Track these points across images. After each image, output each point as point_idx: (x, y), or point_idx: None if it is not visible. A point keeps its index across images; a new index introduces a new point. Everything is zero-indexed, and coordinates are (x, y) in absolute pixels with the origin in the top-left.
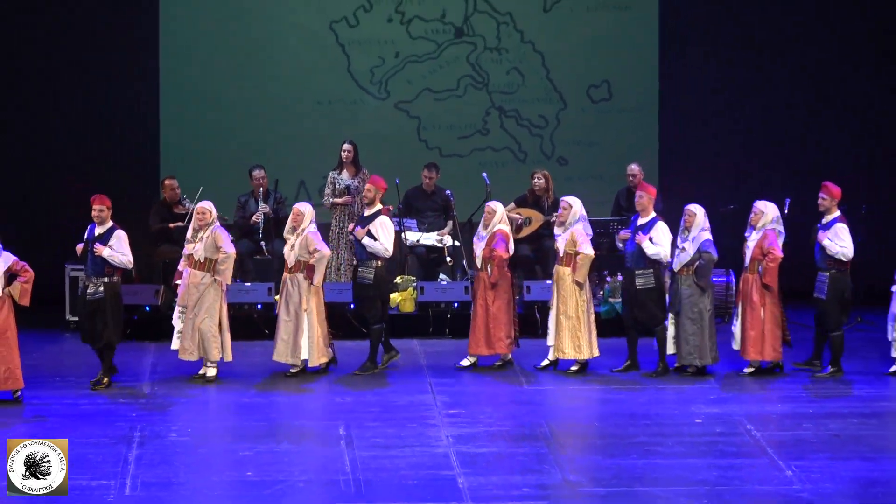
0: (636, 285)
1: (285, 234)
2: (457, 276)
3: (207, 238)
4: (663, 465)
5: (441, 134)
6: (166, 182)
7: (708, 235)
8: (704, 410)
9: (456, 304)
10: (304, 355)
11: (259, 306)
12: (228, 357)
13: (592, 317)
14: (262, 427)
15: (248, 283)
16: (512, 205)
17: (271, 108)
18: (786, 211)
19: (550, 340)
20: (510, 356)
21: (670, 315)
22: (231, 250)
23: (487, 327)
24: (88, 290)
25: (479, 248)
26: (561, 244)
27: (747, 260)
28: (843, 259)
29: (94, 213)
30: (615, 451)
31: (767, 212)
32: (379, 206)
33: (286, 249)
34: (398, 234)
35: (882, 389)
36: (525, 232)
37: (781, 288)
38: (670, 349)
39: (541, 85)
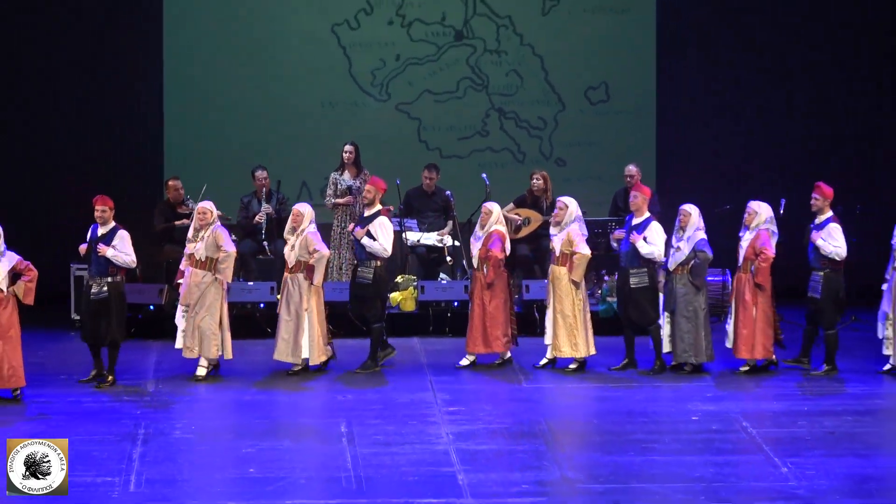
0: (630, 284)
1: (285, 235)
2: (457, 276)
3: (208, 237)
4: (660, 461)
5: (441, 135)
6: (170, 183)
7: (703, 235)
8: (701, 408)
9: (456, 303)
10: (305, 354)
11: (261, 305)
12: (228, 355)
13: (589, 315)
14: (264, 424)
15: (251, 283)
16: (511, 205)
17: (274, 110)
18: (781, 211)
19: (548, 339)
20: (509, 354)
21: (665, 314)
22: (231, 249)
23: (485, 326)
24: (92, 290)
25: (475, 248)
26: (557, 244)
27: (741, 259)
28: (837, 259)
29: (96, 214)
30: (613, 449)
31: (761, 212)
32: (379, 207)
33: (286, 250)
34: (399, 234)
35: (875, 387)
36: (524, 232)
37: (778, 287)
38: (666, 347)
39: (539, 87)
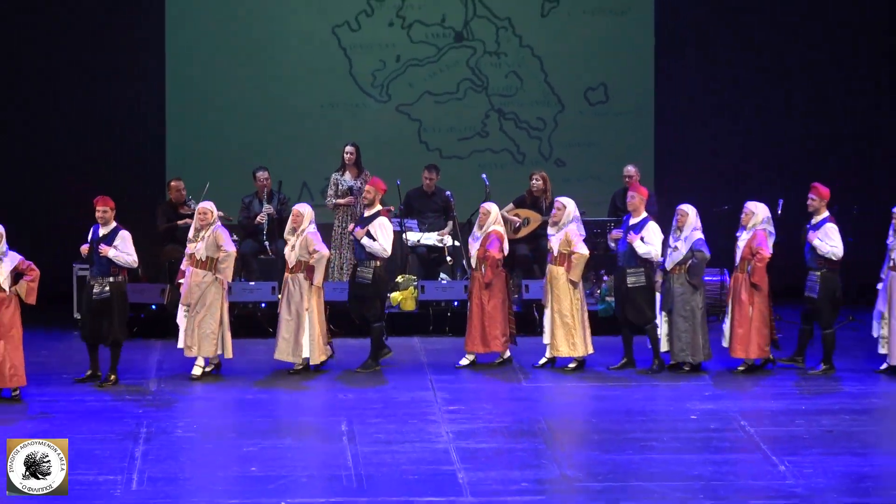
0: (627, 284)
1: (286, 235)
2: (457, 276)
3: (209, 237)
4: (659, 460)
5: (441, 136)
6: (172, 183)
7: (700, 235)
8: (699, 407)
9: (456, 303)
10: (306, 353)
11: (263, 305)
12: (229, 354)
13: (586, 315)
14: (265, 423)
15: (253, 283)
16: (511, 205)
17: (275, 111)
18: (779, 211)
19: (547, 339)
20: (508, 354)
21: (663, 313)
22: (231, 249)
23: (483, 326)
24: (94, 290)
25: (473, 248)
26: (555, 244)
27: (738, 259)
28: (834, 258)
29: (97, 215)
30: (611, 447)
31: (758, 212)
32: (378, 207)
33: (287, 250)
34: (399, 234)
35: (872, 386)
36: (523, 232)
37: (776, 287)
38: (663, 347)
39: (539, 88)
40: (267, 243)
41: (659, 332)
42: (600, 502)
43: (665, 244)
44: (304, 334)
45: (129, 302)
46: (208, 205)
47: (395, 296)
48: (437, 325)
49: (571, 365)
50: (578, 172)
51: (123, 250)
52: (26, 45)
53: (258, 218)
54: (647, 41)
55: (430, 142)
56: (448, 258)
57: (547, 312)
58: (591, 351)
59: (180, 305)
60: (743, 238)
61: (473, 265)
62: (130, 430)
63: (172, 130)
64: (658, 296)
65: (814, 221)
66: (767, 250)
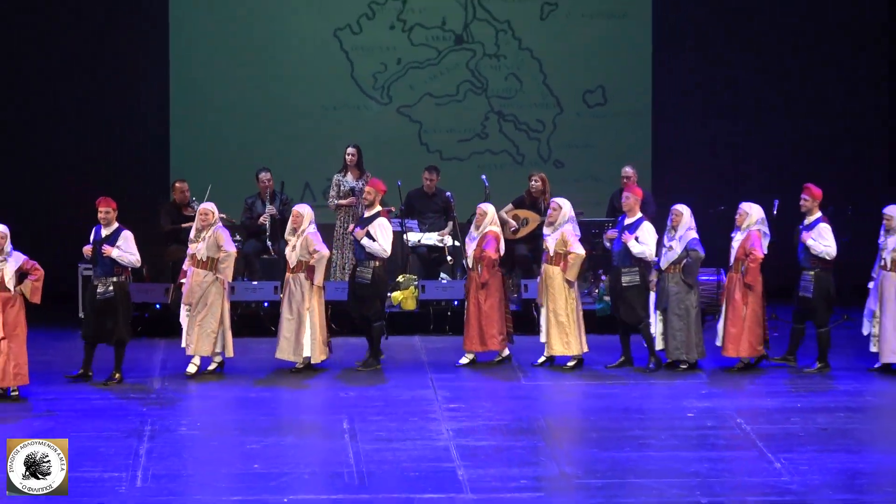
0: (622, 283)
1: (286, 236)
2: (457, 275)
3: (209, 238)
4: (656, 457)
5: (441, 138)
6: (176, 185)
7: (694, 234)
8: (696, 405)
9: (456, 302)
10: (307, 352)
11: (265, 304)
12: (230, 353)
13: (581, 314)
14: (268, 421)
15: (255, 282)
16: (510, 206)
17: (277, 113)
18: (774, 212)
19: (544, 337)
20: (507, 352)
21: (657, 312)
22: (232, 249)
23: (480, 325)
24: (98, 290)
25: (470, 248)
26: (551, 244)
27: (732, 260)
28: (828, 258)
29: (100, 215)
30: (609, 445)
31: (752, 213)
32: (378, 208)
33: (287, 250)
34: (400, 234)
35: (867, 385)
36: (523, 232)
37: (771, 287)
38: (658, 345)
39: (538, 90)
40: (269, 243)
41: (653, 331)
42: (598, 499)
43: (660, 244)
44: (304, 333)
45: (132, 301)
46: (209, 206)
47: (396, 295)
48: (438, 325)
49: (570, 363)
50: (577, 173)
51: (127, 250)
52: (30, 47)
53: (261, 219)
54: (644, 44)
55: (431, 143)
56: (448, 258)
57: (543, 311)
58: (585, 350)
59: (182, 305)
60: (737, 239)
61: (470, 265)
62: (135, 427)
63: (176, 131)
64: (653, 295)
65: (807, 222)
66: (761, 251)
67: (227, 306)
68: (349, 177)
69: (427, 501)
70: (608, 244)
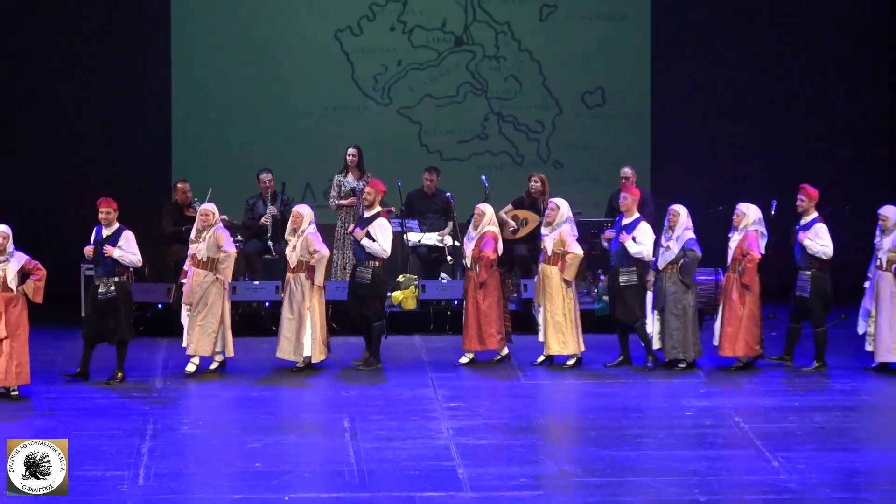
0: (619, 282)
1: (286, 236)
2: (457, 275)
3: (210, 238)
4: (655, 456)
5: (441, 139)
6: (178, 185)
7: (691, 234)
8: (694, 404)
9: (456, 302)
10: (307, 352)
11: (267, 304)
12: (230, 353)
13: (578, 314)
14: (269, 420)
15: (257, 282)
16: (509, 206)
17: (278, 114)
18: (772, 212)
19: (542, 337)
20: (506, 351)
21: (655, 311)
22: (231, 250)
23: (479, 324)
24: (100, 290)
25: (468, 248)
26: (549, 244)
27: (729, 260)
28: (824, 258)
29: (101, 216)
30: (608, 443)
31: (749, 213)
32: (378, 209)
33: (288, 250)
34: (400, 234)
35: (864, 384)
36: (522, 232)
37: (769, 287)
38: (656, 344)
39: (537, 91)
40: (271, 244)
41: (650, 330)
42: (597, 497)
43: (657, 244)
44: (305, 333)
45: (134, 301)
46: (210, 206)
47: (397, 295)
48: (438, 324)
49: (570, 362)
50: (576, 174)
51: (128, 250)
52: (33, 48)
53: (262, 219)
54: (643, 45)
55: (431, 144)
56: (448, 258)
57: (540, 311)
58: (582, 349)
59: (183, 305)
60: (734, 239)
61: (468, 265)
62: (137, 426)
63: (178, 132)
64: (650, 294)
65: (803, 222)
66: (758, 251)
67: (227, 306)
68: (350, 177)
69: (427, 500)
70: (606, 244)
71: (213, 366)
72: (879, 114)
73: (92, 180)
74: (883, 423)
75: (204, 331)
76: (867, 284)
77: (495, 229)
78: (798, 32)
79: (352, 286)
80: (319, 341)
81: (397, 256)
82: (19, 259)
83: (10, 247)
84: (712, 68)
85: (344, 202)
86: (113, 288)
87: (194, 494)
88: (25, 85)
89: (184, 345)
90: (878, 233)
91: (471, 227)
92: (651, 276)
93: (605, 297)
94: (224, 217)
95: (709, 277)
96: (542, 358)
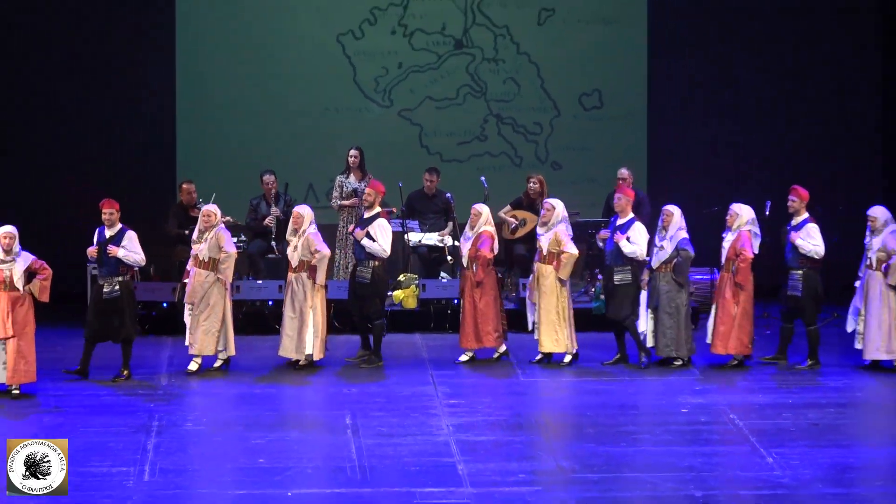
0: (614, 281)
1: (288, 237)
2: (457, 275)
3: (211, 239)
4: (651, 452)
5: (441, 140)
6: (184, 186)
7: (685, 234)
8: (689, 401)
9: (456, 301)
10: (309, 350)
11: (270, 303)
12: (231, 351)
13: (571, 312)
14: (272, 417)
15: (260, 281)
16: (508, 207)
17: (281, 115)
18: (767, 213)
19: (536, 334)
20: (504, 348)
21: (649, 310)
22: (232, 250)
23: (476, 323)
24: (105, 290)
25: (465, 248)
26: (544, 243)
27: (723, 259)
28: (816, 257)
29: (104, 217)
30: (605, 440)
31: (742, 213)
32: (378, 209)
33: (289, 250)
34: (401, 234)
35: (856, 381)
36: (521, 232)
37: (763, 286)
38: (650, 342)
39: (536, 94)
40: (274, 244)
41: (644, 329)
42: (594, 493)
43: (651, 244)
44: (307, 331)
45: (140, 300)
46: (212, 207)
47: (398, 294)
48: (438, 322)
49: (566, 359)
50: (574, 175)
51: (132, 250)
52: (38, 51)
53: (266, 221)
54: (639, 48)
55: (431, 146)
56: (448, 258)
57: (535, 309)
58: (575, 347)
59: (185, 304)
60: (728, 239)
61: (465, 264)
62: (142, 423)
63: (182, 134)
64: (644, 293)
65: (794, 222)
66: (751, 251)
67: (228, 305)
68: (352, 178)
69: (427, 495)
70: (601, 244)
71: (218, 363)
72: (877, 116)
73: (97, 181)
74: (875, 420)
75: (207, 331)
76: (858, 283)
77: (491, 229)
78: (794, 34)
79: (352, 285)
80: (321, 339)
81: (398, 256)
82: (25, 259)
83: (17, 247)
84: (708, 71)
85: (346, 203)
86: (117, 287)
87: (199, 490)
88: (29, 86)
89: (186, 343)
90: (867, 233)
91: (467, 227)
92: (645, 276)
93: (602, 297)
94: (228, 218)
95: (704, 277)
96: (539, 356)
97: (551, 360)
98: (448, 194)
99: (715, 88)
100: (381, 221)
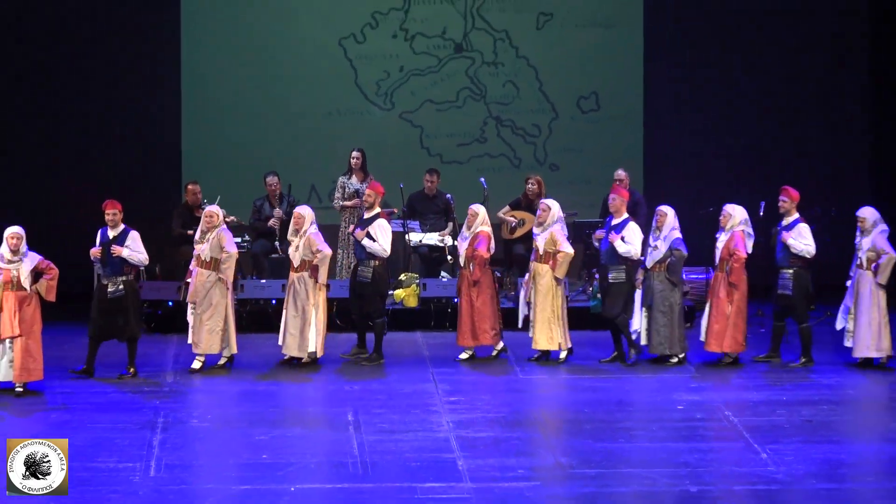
0: (608, 280)
1: (289, 237)
2: (457, 274)
3: (213, 239)
4: (647, 448)
5: (442, 142)
6: (189, 187)
7: (678, 234)
8: (685, 398)
9: (456, 300)
10: (312, 348)
11: (273, 301)
12: (233, 349)
13: (566, 311)
14: (275, 413)
15: (264, 280)
16: (507, 208)
17: (285, 118)
18: (761, 213)
19: (531, 332)
20: (501, 345)
21: (643, 308)
22: (233, 250)
23: (473, 321)
24: (109, 290)
25: (462, 247)
26: (540, 243)
27: (717, 259)
28: (807, 256)
29: (107, 218)
30: (603, 436)
31: (735, 214)
32: (378, 210)
33: (291, 250)
34: (402, 234)
35: (848, 378)
36: (519, 232)
37: (757, 285)
38: (644, 341)
39: (534, 96)
40: (278, 244)
41: (638, 327)
42: (592, 488)
43: (646, 243)
44: (309, 329)
45: (145, 299)
46: (214, 208)
47: (399, 293)
48: (438, 321)
49: (562, 355)
50: (571, 176)
51: (135, 249)
52: (55, 55)
53: (270, 223)
54: (636, 51)
55: (432, 147)
56: (448, 257)
57: (531, 308)
58: (569, 345)
59: (188, 303)
60: (721, 239)
61: (462, 263)
62: (148, 420)
63: (189, 138)
64: (639, 292)
65: (785, 222)
66: (744, 251)
67: (230, 305)
68: (354, 179)
69: (428, 490)
70: (596, 244)
71: (222, 361)
72: (864, 119)
73: (103, 182)
74: (866, 417)
75: (211, 330)
76: (849, 283)
77: (488, 229)
78: (786, 38)
79: (353, 285)
80: (323, 337)
81: (399, 256)
82: (32, 259)
83: (24, 247)
84: (703, 73)
85: (348, 203)
86: (122, 287)
87: (203, 485)
88: (34, 88)
89: (189, 342)
90: (857, 234)
91: (464, 227)
92: (640, 275)
93: (599, 295)
94: (232, 218)
95: (699, 276)
96: (538, 354)
97: (549, 357)
98: (448, 195)
99: (710, 91)
100: (381, 222)
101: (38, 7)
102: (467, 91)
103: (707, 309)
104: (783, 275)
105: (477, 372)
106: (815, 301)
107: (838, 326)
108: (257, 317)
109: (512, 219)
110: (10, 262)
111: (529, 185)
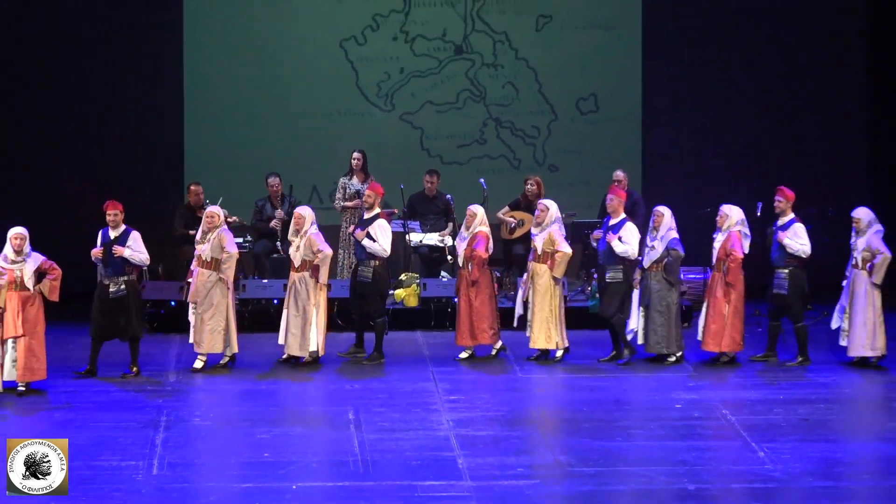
0: (606, 279)
1: (290, 237)
2: (456, 274)
3: (214, 239)
4: (646, 446)
5: (442, 143)
6: (192, 187)
7: (675, 234)
8: (683, 396)
9: (456, 299)
10: (313, 347)
11: (275, 301)
12: (234, 349)
13: (563, 310)
14: (276, 412)
15: (265, 280)
16: (506, 208)
17: (286, 119)
18: (758, 214)
19: (528, 332)
20: (500, 343)
21: (641, 308)
22: (233, 251)
23: (471, 321)
24: (111, 290)
25: (461, 248)
26: (538, 243)
27: (714, 259)
28: (803, 256)
29: (109, 218)
30: (601, 434)
31: (732, 214)
32: (378, 210)
33: (291, 250)
34: (402, 235)
35: (844, 377)
36: (518, 233)
37: (754, 285)
38: (640, 340)
39: (533, 98)
40: (279, 244)
41: (635, 326)
42: (590, 486)
43: (643, 244)
44: (310, 329)
45: (148, 298)
46: (215, 209)
47: (399, 293)
48: (438, 320)
49: (558, 354)
50: (570, 177)
51: (137, 249)
52: (58, 56)
53: (272, 223)
54: (634, 53)
55: (432, 148)
56: (448, 257)
57: (529, 307)
58: (566, 344)
59: (189, 303)
60: (718, 239)
61: (461, 263)
62: (151, 418)
63: (191, 139)
64: (636, 292)
65: (780, 222)
66: (741, 251)
67: (231, 304)
68: (355, 180)
69: (428, 488)
70: (594, 244)
71: (224, 360)
72: (861, 118)
73: (106, 183)
74: (862, 416)
75: (213, 329)
76: (845, 283)
77: (486, 229)
78: (783, 37)
79: (354, 284)
80: (324, 336)
81: (399, 256)
82: (35, 259)
83: (27, 247)
84: (701, 74)
85: (349, 204)
86: (123, 286)
87: (205, 483)
88: (36, 88)
89: (190, 341)
90: (853, 234)
91: (462, 228)
92: (637, 275)
93: (598, 295)
94: (235, 218)
95: (697, 276)
96: (536, 353)
97: (548, 356)
98: (448, 196)
99: (708, 89)
100: (381, 222)
101: (38, 7)
102: (467, 93)
103: (704, 309)
104: (779, 274)
105: (476, 371)
106: (812, 301)
107: (833, 326)
108: (259, 316)
109: (511, 219)
110: (13, 262)
111: (528, 186)
